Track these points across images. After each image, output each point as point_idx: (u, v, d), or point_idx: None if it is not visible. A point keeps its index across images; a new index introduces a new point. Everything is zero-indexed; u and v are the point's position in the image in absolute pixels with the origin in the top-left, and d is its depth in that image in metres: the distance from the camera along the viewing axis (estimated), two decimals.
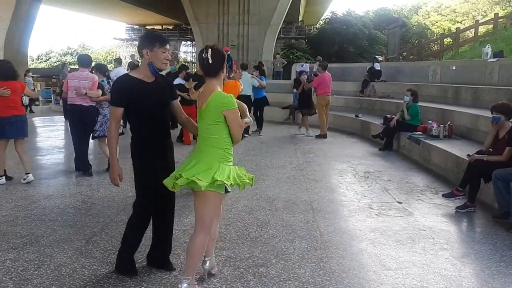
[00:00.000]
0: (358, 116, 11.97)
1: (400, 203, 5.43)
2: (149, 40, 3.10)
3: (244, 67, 11.24)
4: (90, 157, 7.15)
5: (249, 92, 10.70)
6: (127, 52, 41.03)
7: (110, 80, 7.30)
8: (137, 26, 44.68)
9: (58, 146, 9.38)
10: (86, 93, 6.29)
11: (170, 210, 3.45)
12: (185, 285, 2.88)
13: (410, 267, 3.62)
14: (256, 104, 11.36)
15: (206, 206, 2.86)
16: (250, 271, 3.45)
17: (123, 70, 12.27)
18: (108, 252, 3.75)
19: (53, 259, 3.58)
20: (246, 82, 10.32)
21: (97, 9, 38.02)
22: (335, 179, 6.69)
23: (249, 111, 3.67)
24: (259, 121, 11.44)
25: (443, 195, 5.61)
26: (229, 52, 19.62)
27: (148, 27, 43.70)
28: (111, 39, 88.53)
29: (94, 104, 6.55)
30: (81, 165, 6.69)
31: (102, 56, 57.90)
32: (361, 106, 13.37)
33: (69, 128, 6.83)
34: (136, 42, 45.01)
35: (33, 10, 20.70)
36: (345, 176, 6.84)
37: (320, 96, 11.04)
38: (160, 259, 3.46)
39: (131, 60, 20.10)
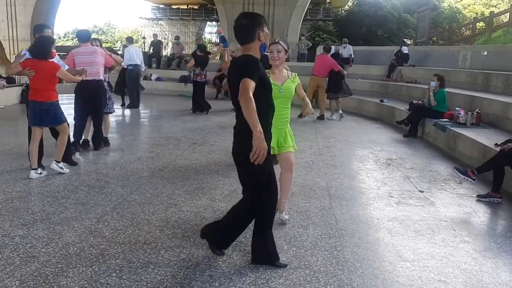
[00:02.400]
0: (383, 101, 11.64)
1: (422, 192, 5.23)
2: (259, 21, 3.01)
3: None
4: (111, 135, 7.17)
5: None
6: (152, 31, 41.01)
7: None
8: (162, 6, 44.53)
9: None
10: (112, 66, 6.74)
11: None
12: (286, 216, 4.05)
13: (428, 259, 3.45)
14: None
15: None
16: None
17: (134, 49, 12.13)
18: (118, 232, 3.69)
19: (62, 237, 3.55)
20: None
21: None
22: (355, 165, 6.50)
23: None
24: None
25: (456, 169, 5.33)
26: (222, 34, 19.33)
27: (173, 6, 43.56)
28: (136, 18, 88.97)
29: (103, 79, 6.53)
30: (76, 140, 6.64)
31: (128, 35, 58.18)
32: (387, 91, 13.00)
33: (74, 104, 6.67)
34: (161, 22, 45.23)
35: None
36: (366, 162, 6.65)
37: (310, 76, 11.30)
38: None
39: (153, 39, 20.05)
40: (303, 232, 3.85)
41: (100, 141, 6.80)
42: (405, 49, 14.33)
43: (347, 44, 15.97)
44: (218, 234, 3.25)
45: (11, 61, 15.71)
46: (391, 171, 6.16)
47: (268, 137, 3.01)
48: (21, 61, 5.22)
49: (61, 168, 5.39)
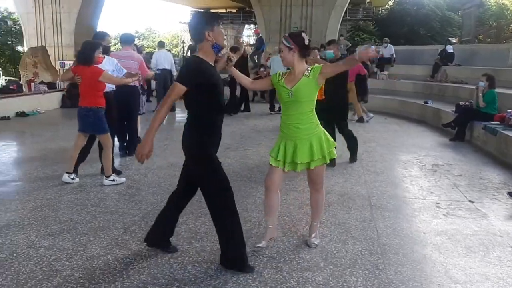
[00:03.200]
0: (427, 103, 11.10)
1: (472, 202, 4.81)
2: (206, 21, 2.97)
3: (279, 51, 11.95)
4: None
5: None
6: None
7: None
8: (201, 10, 44.97)
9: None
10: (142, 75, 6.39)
11: None
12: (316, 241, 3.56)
13: (482, 281, 3.09)
14: None
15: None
16: (294, 275, 3.07)
17: (163, 53, 12.03)
18: (144, 244, 3.51)
19: (87, 249, 3.41)
20: (279, 65, 11.01)
21: None
22: (399, 172, 6.11)
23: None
24: None
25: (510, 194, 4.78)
26: (260, 35, 19.04)
27: (212, 10, 43.88)
28: (176, 23, 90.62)
29: (137, 84, 6.49)
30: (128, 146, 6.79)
31: (168, 40, 59.07)
32: (431, 91, 12.42)
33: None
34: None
35: None
36: (410, 168, 6.24)
37: None
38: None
39: (190, 43, 20.15)
40: (341, 247, 3.55)
41: (134, 146, 6.73)
42: (449, 48, 13.70)
43: (388, 44, 15.44)
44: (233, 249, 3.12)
45: (56, 67, 16.14)
46: (438, 178, 5.74)
47: (217, 141, 3.12)
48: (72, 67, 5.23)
49: (113, 180, 5.22)
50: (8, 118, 10.38)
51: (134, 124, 6.66)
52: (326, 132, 3.40)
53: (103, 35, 5.73)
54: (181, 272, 3.07)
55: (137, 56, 6.49)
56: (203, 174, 3.02)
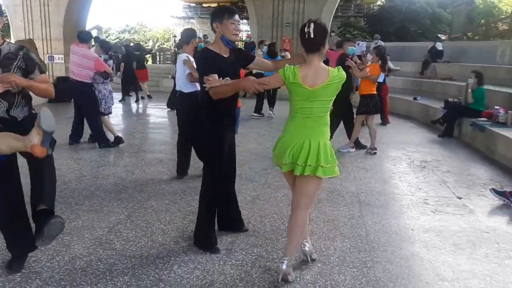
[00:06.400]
0: (416, 99, 11.12)
1: (460, 198, 4.81)
2: (217, 13, 3.20)
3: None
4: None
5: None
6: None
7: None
8: (193, 4, 44.69)
9: None
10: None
11: None
12: (284, 266, 2.86)
13: (470, 278, 3.07)
14: None
15: (317, 187, 2.98)
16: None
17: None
18: (130, 244, 3.45)
19: (69, 249, 3.33)
20: None
21: None
22: (388, 168, 6.10)
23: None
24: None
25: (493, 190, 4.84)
26: (252, 40, 19.09)
27: (204, 5, 43.63)
28: (168, 17, 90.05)
29: (86, 80, 6.55)
30: (71, 135, 6.99)
31: (160, 34, 58.60)
32: (420, 88, 12.44)
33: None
34: (192, 20, 45.45)
35: None
36: (398, 165, 6.23)
37: None
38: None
39: (179, 41, 20.07)
40: (330, 244, 3.52)
41: (95, 139, 6.91)
42: (439, 45, 13.76)
43: (379, 40, 15.44)
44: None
45: (44, 61, 15.82)
46: (426, 174, 5.74)
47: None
48: None
49: None
50: None
51: (87, 119, 6.82)
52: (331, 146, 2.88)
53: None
54: (167, 273, 3.01)
55: (92, 55, 6.59)
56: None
